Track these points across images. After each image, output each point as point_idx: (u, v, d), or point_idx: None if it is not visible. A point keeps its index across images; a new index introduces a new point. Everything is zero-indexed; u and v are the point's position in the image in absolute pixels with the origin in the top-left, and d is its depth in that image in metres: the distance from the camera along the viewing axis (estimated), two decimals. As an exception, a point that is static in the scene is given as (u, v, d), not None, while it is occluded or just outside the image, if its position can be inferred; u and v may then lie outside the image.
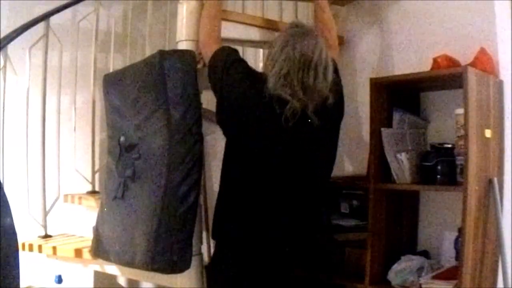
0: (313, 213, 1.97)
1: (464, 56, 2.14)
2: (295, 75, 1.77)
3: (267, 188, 1.87)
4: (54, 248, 2.50)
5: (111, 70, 2.71)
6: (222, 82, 1.88)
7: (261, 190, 1.88)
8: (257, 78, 1.86)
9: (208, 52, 1.95)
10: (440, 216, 2.29)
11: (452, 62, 2.13)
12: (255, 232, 1.88)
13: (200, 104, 2.01)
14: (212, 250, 2.08)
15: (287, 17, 2.64)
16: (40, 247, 2.52)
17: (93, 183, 2.83)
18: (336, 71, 1.94)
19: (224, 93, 1.87)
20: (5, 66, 2.53)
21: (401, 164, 2.14)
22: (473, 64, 2.06)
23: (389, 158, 2.16)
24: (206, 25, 2.00)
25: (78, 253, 2.43)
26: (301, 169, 1.88)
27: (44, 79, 2.63)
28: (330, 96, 1.83)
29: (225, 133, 1.92)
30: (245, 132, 1.87)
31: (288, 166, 1.86)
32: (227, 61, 1.89)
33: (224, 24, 2.05)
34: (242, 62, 1.94)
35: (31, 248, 2.53)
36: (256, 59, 2.75)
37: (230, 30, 2.10)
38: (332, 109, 1.86)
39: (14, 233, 1.83)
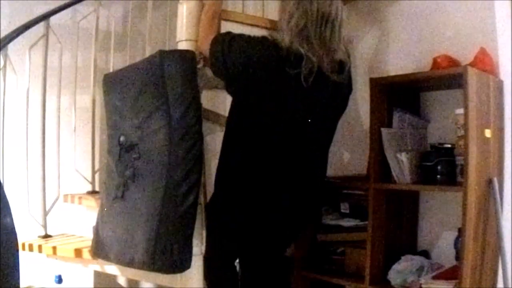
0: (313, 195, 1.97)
1: (464, 56, 2.14)
2: (313, 29, 1.75)
3: (277, 155, 1.85)
4: (54, 248, 2.50)
5: (111, 70, 2.71)
6: (225, 56, 1.83)
7: (271, 158, 1.85)
8: (264, 44, 1.83)
9: (207, 49, 1.94)
10: (440, 216, 2.29)
11: (452, 62, 2.13)
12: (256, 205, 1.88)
13: (200, 104, 2.00)
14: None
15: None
16: (40, 247, 2.52)
17: (93, 183, 2.83)
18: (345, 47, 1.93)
19: (229, 65, 1.83)
20: (5, 66, 2.53)
21: (401, 164, 2.14)
22: (473, 64, 2.06)
23: (389, 158, 2.16)
24: (205, 25, 2.00)
25: (78, 253, 2.43)
26: (309, 133, 1.86)
27: (44, 79, 2.63)
28: (347, 54, 1.82)
29: (235, 103, 1.88)
30: (260, 99, 1.83)
31: (307, 129, 1.85)
32: (226, 39, 1.88)
33: (224, 24, 2.05)
34: (241, 34, 1.91)
35: (31, 248, 2.53)
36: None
37: (230, 30, 2.09)
38: (347, 74, 1.86)
39: (14, 233, 1.83)
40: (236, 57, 1.83)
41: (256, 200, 1.89)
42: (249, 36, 1.90)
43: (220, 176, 1.96)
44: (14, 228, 1.83)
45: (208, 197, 2.17)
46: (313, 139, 1.91)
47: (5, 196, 1.84)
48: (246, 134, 1.89)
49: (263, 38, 1.88)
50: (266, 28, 2.22)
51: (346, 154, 2.62)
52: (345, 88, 1.96)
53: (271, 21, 2.29)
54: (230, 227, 1.95)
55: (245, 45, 1.85)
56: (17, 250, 1.84)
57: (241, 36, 1.90)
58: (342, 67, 1.87)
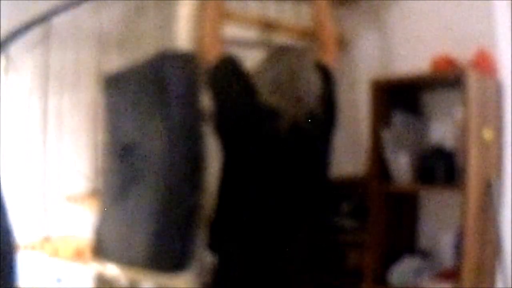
0: (313, 217, 1.99)
1: (464, 56, 2.14)
2: (285, 86, 1.82)
3: (266, 198, 1.89)
4: (55, 248, 2.51)
5: (111, 71, 2.71)
6: (222, 94, 1.90)
7: (261, 201, 1.89)
8: (253, 90, 1.88)
9: (209, 56, 1.95)
10: (440, 216, 2.29)
11: (452, 62, 2.13)
12: (257, 243, 1.89)
13: (200, 104, 2.01)
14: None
15: (287, 17, 2.63)
16: (40, 247, 2.53)
17: (93, 183, 2.83)
18: (329, 77, 1.99)
19: (223, 103, 1.90)
20: (5, 66, 2.54)
21: (401, 164, 2.14)
22: (472, 65, 2.06)
23: (389, 158, 2.16)
24: (207, 26, 2.00)
25: (79, 253, 2.43)
26: (299, 176, 1.91)
27: (45, 79, 2.63)
28: (319, 106, 1.87)
29: (222, 142, 1.93)
30: (242, 143, 1.89)
31: (287, 174, 1.89)
32: (229, 73, 1.92)
33: (224, 24, 2.05)
34: (243, 75, 1.95)
35: (32, 248, 2.53)
36: (256, 59, 2.74)
37: (230, 30, 2.09)
38: (323, 119, 1.91)
39: (11, 234, 1.83)
40: (227, 100, 1.89)
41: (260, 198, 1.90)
42: (247, 80, 1.93)
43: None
44: (11, 229, 1.83)
45: (208, 197, 2.17)
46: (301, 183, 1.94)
47: (5, 196, 1.84)
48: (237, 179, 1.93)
49: (252, 93, 1.90)
50: (266, 28, 2.23)
51: (346, 154, 2.62)
52: (326, 123, 1.98)
53: (271, 21, 2.30)
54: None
55: (241, 90, 1.89)
56: (15, 251, 1.84)
57: (241, 76, 1.93)
58: (315, 121, 1.89)
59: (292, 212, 1.92)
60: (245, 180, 1.92)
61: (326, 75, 1.99)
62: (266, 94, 1.84)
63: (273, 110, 1.83)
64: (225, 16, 2.08)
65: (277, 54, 1.90)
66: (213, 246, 1.96)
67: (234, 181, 1.95)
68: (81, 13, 2.92)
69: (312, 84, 1.87)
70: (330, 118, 2.01)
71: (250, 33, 2.20)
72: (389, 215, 2.24)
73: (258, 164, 1.90)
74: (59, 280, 2.85)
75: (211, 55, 1.95)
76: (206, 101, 2.08)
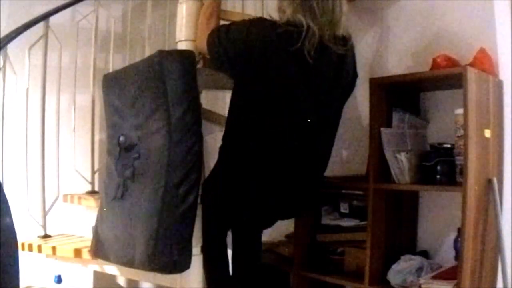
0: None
1: (464, 56, 2.14)
2: (315, 0, 1.73)
3: (283, 141, 1.83)
4: (54, 248, 2.50)
5: (110, 70, 2.71)
6: (222, 41, 1.82)
7: (276, 145, 1.83)
8: (261, 20, 1.82)
9: (205, 46, 1.94)
10: (440, 216, 2.29)
11: (452, 62, 2.13)
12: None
13: (200, 104, 2.01)
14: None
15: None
16: (39, 247, 2.52)
17: (92, 183, 2.83)
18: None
19: (228, 49, 1.81)
20: (4, 66, 2.53)
21: (401, 164, 2.14)
22: (473, 64, 2.06)
23: (389, 158, 2.16)
24: (203, 25, 2.00)
25: (78, 253, 2.43)
26: (313, 122, 1.83)
27: (44, 79, 2.63)
28: (347, 31, 1.81)
29: (236, 88, 1.86)
30: (262, 79, 1.80)
31: (313, 107, 1.81)
32: (221, 29, 1.88)
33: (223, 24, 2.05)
34: (237, 21, 1.90)
35: (30, 248, 2.53)
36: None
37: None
38: (351, 44, 1.84)
39: (13, 233, 1.83)
40: (234, 39, 1.81)
41: (255, 176, 1.88)
42: (245, 19, 1.89)
43: (223, 151, 1.94)
44: (13, 228, 1.83)
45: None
46: (319, 118, 1.86)
47: (5, 196, 1.84)
48: (250, 116, 1.86)
49: (260, 18, 1.87)
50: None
51: (346, 154, 2.62)
52: (350, 64, 1.91)
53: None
54: (226, 199, 1.94)
55: (242, 26, 1.84)
56: (17, 250, 1.84)
57: (236, 21, 1.89)
58: (345, 42, 1.84)
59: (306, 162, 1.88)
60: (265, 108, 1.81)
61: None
62: (294, 7, 1.74)
63: (299, 28, 1.73)
64: (223, 15, 2.08)
65: None
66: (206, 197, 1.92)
67: (247, 120, 1.85)
68: (81, 13, 2.92)
69: (344, 4, 1.78)
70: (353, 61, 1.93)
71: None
72: (389, 215, 2.24)
73: (279, 90, 1.78)
74: (58, 280, 2.85)
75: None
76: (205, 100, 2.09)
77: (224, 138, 1.93)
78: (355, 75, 2.01)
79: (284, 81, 1.80)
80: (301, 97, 1.81)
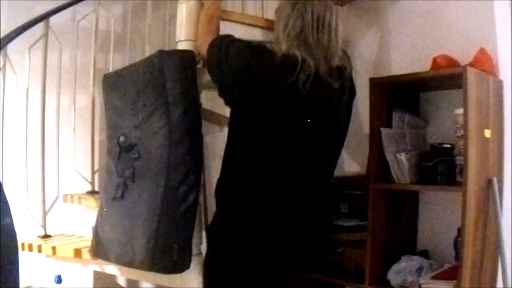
0: (315, 210, 1.97)
1: (464, 56, 2.14)
2: (310, 33, 1.73)
3: (273, 176, 1.83)
4: (54, 248, 2.50)
5: (110, 70, 2.71)
6: (222, 61, 1.82)
7: (267, 179, 1.84)
8: (261, 49, 1.82)
9: (205, 50, 1.94)
10: (440, 216, 2.29)
11: (452, 62, 2.13)
12: (259, 206, 1.86)
13: (200, 104, 2.01)
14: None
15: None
16: (39, 247, 2.52)
17: (92, 183, 2.83)
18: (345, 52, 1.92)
19: (226, 69, 1.81)
20: (4, 66, 2.53)
21: (401, 164, 2.14)
22: (473, 64, 2.06)
23: (389, 158, 2.16)
24: (204, 25, 2.00)
25: (78, 253, 2.43)
26: (314, 145, 1.83)
27: (44, 79, 2.63)
28: (345, 59, 1.80)
29: (232, 112, 1.86)
30: (254, 104, 1.80)
31: (308, 135, 1.81)
32: (224, 42, 1.86)
33: (224, 24, 2.05)
34: (240, 40, 1.89)
35: (30, 248, 2.53)
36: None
37: (230, 30, 2.09)
38: (348, 73, 1.83)
39: (13, 233, 1.83)
40: (232, 64, 1.81)
41: (260, 192, 1.86)
42: (246, 42, 1.88)
43: (222, 192, 1.93)
44: (14, 228, 1.83)
45: (208, 197, 2.17)
46: (315, 146, 1.86)
47: (5, 196, 1.84)
48: (247, 144, 1.86)
49: (260, 45, 1.87)
50: (265, 28, 2.22)
51: (346, 154, 2.62)
52: (346, 95, 1.91)
53: (271, 21, 2.29)
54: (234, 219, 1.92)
55: (242, 51, 1.82)
56: (17, 250, 1.84)
57: (238, 41, 1.87)
58: (341, 73, 1.83)
59: (303, 183, 1.87)
60: (259, 140, 1.81)
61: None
62: (289, 42, 1.74)
63: (295, 57, 1.72)
64: (223, 15, 2.08)
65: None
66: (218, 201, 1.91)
67: (246, 143, 1.85)
68: (81, 13, 2.92)
69: (339, 35, 1.77)
70: (352, 85, 1.93)
71: (250, 33, 2.19)
72: (389, 215, 2.24)
73: (275, 119, 1.78)
74: (58, 280, 2.85)
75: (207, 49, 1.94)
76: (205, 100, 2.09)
77: (224, 164, 1.92)
78: (351, 97, 1.99)
79: (279, 112, 1.79)
80: (295, 124, 1.81)
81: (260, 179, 1.85)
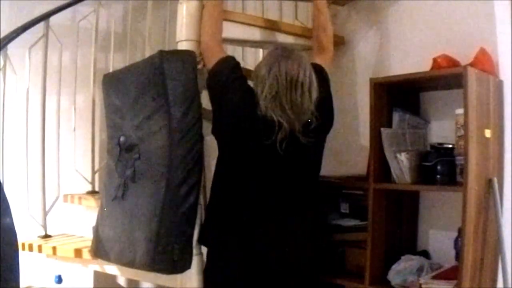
0: (304, 219, 2.02)
1: (464, 56, 2.14)
2: (284, 95, 1.85)
3: (256, 199, 1.95)
4: (54, 248, 2.50)
5: (111, 70, 2.71)
6: (222, 98, 1.94)
7: (251, 200, 1.94)
8: (253, 98, 1.91)
9: (210, 57, 1.96)
10: (440, 216, 2.29)
11: (452, 62, 2.13)
12: (244, 240, 1.92)
13: (200, 104, 2.01)
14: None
15: (287, 17, 2.64)
16: (40, 247, 2.53)
17: (93, 183, 2.83)
18: (325, 79, 2.04)
19: (223, 109, 1.94)
20: (5, 66, 2.54)
21: (401, 164, 2.14)
22: (473, 64, 2.06)
23: (389, 158, 2.16)
24: (208, 26, 2.00)
25: (78, 253, 2.43)
26: (290, 180, 1.98)
27: (44, 79, 2.63)
28: (315, 114, 1.91)
29: (219, 144, 2.00)
30: (238, 146, 1.95)
31: (277, 178, 1.96)
32: (230, 75, 1.95)
33: (224, 24, 2.05)
34: (243, 79, 1.99)
35: (31, 248, 2.53)
36: (256, 59, 2.75)
37: (230, 30, 2.10)
38: (319, 126, 1.94)
39: (14, 233, 1.83)
40: (229, 102, 1.93)
41: (260, 192, 1.95)
42: (248, 86, 1.98)
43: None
44: (14, 228, 1.83)
45: (208, 197, 2.17)
46: (293, 182, 2.00)
47: (5, 196, 1.84)
48: (227, 173, 2.00)
49: (251, 103, 1.93)
50: (265, 28, 2.22)
51: (346, 154, 2.62)
52: (322, 129, 2.02)
53: (271, 21, 2.30)
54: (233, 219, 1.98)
55: (242, 96, 1.93)
56: (17, 250, 1.84)
57: (242, 81, 1.97)
58: (309, 127, 1.93)
59: (283, 213, 1.97)
60: (238, 182, 1.96)
61: (322, 77, 2.02)
62: (266, 104, 1.86)
63: (272, 122, 1.86)
64: (224, 15, 2.08)
65: (277, 59, 1.89)
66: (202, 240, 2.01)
67: (227, 182, 1.99)
68: (81, 13, 2.92)
69: (313, 91, 1.90)
70: (325, 122, 2.04)
71: (250, 33, 2.19)
72: (389, 215, 2.24)
73: (252, 166, 1.95)
74: (58, 280, 2.85)
75: (212, 59, 1.96)
76: (205, 100, 2.09)
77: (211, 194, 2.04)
78: (328, 124, 2.09)
79: (259, 159, 1.94)
80: (276, 169, 1.96)
81: (245, 188, 1.96)
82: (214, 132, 1.99)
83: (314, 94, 1.90)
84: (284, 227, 1.93)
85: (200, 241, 2.02)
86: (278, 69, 1.86)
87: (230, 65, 1.97)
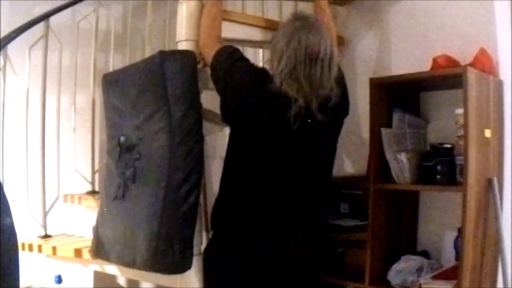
0: (315, 212, 1.98)
1: (464, 56, 2.14)
2: (302, 70, 1.77)
3: (270, 184, 1.88)
4: (54, 248, 2.50)
5: (111, 70, 2.71)
6: (226, 81, 1.88)
7: (264, 186, 1.89)
8: (261, 75, 1.86)
9: (208, 52, 1.95)
10: (440, 216, 2.29)
11: (452, 62, 2.13)
12: (255, 227, 1.89)
13: (201, 104, 2.01)
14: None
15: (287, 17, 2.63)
16: (40, 247, 2.52)
17: (92, 183, 2.83)
18: (339, 68, 1.95)
19: (228, 92, 1.88)
20: (5, 66, 2.53)
21: (401, 164, 2.14)
22: (473, 64, 2.06)
23: (389, 158, 2.16)
24: (206, 26, 2.00)
25: (78, 253, 2.43)
26: (305, 165, 1.89)
27: (44, 79, 2.63)
28: (335, 91, 1.83)
29: (231, 130, 1.93)
30: (250, 129, 1.87)
31: (292, 162, 1.87)
32: (229, 60, 1.90)
33: (224, 24, 2.05)
34: (245, 60, 1.95)
35: (31, 248, 2.53)
36: (256, 59, 2.75)
37: (230, 30, 2.09)
38: (337, 105, 1.87)
39: (14, 233, 1.83)
40: (236, 83, 1.86)
41: (260, 192, 1.90)
42: (251, 64, 1.93)
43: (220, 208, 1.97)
44: (14, 228, 1.83)
45: (208, 197, 2.17)
46: (307, 172, 1.92)
47: (5, 196, 1.84)
48: (240, 163, 1.93)
49: (262, 70, 1.91)
50: (265, 28, 2.22)
51: (346, 154, 2.62)
52: (335, 128, 1.99)
53: (271, 21, 2.29)
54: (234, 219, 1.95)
55: (247, 72, 1.88)
56: (17, 250, 1.84)
57: (244, 61, 1.92)
58: (327, 105, 1.86)
59: (295, 202, 1.91)
60: (250, 166, 1.89)
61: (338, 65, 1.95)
62: (281, 78, 1.78)
63: (287, 97, 1.78)
64: (224, 15, 2.08)
65: (297, 31, 1.80)
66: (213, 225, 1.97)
67: (239, 167, 1.92)
68: (81, 13, 2.92)
69: (333, 67, 1.82)
70: (344, 106, 1.98)
71: (250, 33, 2.19)
72: (389, 215, 2.24)
73: (266, 150, 1.86)
74: (58, 280, 2.85)
75: (211, 54, 1.95)
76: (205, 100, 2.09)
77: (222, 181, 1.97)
78: (341, 121, 2.03)
79: (273, 140, 1.86)
80: (287, 152, 1.88)
81: (259, 181, 1.88)
82: (225, 118, 1.92)
83: (334, 70, 1.82)
84: (284, 227, 1.93)
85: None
86: (298, 42, 1.77)
87: (228, 51, 1.92)
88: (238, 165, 1.93)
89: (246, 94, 1.86)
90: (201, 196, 2.03)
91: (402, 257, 2.17)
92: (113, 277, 3.05)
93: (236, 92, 1.87)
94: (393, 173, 2.15)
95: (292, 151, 1.87)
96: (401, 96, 2.29)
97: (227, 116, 1.92)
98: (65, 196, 2.78)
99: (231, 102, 1.89)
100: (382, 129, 2.19)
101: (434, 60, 2.16)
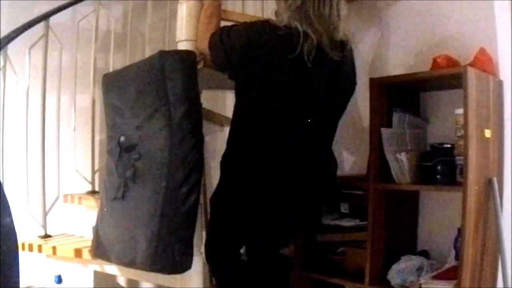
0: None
1: (464, 56, 2.14)
2: (311, 6, 1.75)
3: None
4: (54, 248, 2.50)
5: (111, 70, 2.71)
6: (224, 43, 1.83)
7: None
8: (260, 24, 1.83)
9: (204, 48, 1.94)
10: (440, 216, 2.29)
11: (452, 62, 2.13)
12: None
13: (200, 104, 2.01)
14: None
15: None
16: (40, 247, 2.52)
17: (92, 183, 2.82)
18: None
19: (229, 50, 1.83)
20: (5, 66, 2.53)
21: (401, 164, 2.14)
22: (473, 64, 2.06)
23: (389, 158, 2.16)
24: (204, 24, 2.00)
25: (78, 253, 2.43)
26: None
27: (44, 79, 2.63)
28: (344, 35, 1.81)
29: (241, 88, 1.88)
30: (262, 81, 1.82)
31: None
32: (223, 30, 1.88)
33: (224, 24, 2.05)
34: (239, 23, 1.92)
35: (31, 248, 2.53)
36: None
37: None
38: (347, 73, 1.85)
39: (14, 233, 1.83)
40: (235, 43, 1.82)
41: (260, 192, 1.86)
42: (246, 22, 1.90)
43: (226, 166, 1.91)
44: (14, 228, 1.83)
45: (208, 197, 2.17)
46: (318, 121, 1.87)
47: (5, 196, 1.84)
48: (251, 122, 1.87)
49: (261, 21, 1.88)
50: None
51: (346, 154, 2.62)
52: (349, 67, 1.93)
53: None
54: (233, 219, 1.92)
55: (244, 28, 1.85)
56: (17, 250, 1.84)
57: (238, 24, 1.90)
58: (343, 46, 1.84)
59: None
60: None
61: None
62: (290, 14, 1.75)
63: (297, 33, 1.73)
64: (223, 15, 2.08)
65: None
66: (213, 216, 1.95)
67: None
68: (81, 13, 2.92)
69: (341, 6, 1.79)
70: (353, 75, 1.95)
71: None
72: (389, 215, 2.24)
73: (280, 93, 1.80)
74: (58, 280, 2.85)
75: (204, 47, 1.94)
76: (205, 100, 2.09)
77: (228, 140, 1.92)
78: (354, 81, 2.01)
79: (284, 84, 1.81)
80: (300, 100, 1.82)
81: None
82: (231, 68, 1.87)
83: (343, 10, 1.80)
84: (284, 227, 1.93)
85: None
86: None
87: (218, 33, 1.90)
88: (244, 144, 1.88)
89: (249, 41, 1.79)
90: (201, 196, 2.03)
91: (402, 257, 2.17)
92: (113, 277, 3.04)
93: (239, 44, 1.80)
94: (393, 173, 2.15)
95: (305, 94, 1.81)
96: (401, 96, 2.29)
97: (235, 71, 1.86)
98: (65, 196, 2.78)
99: (236, 55, 1.81)
100: (382, 129, 2.19)
101: (434, 60, 2.16)
